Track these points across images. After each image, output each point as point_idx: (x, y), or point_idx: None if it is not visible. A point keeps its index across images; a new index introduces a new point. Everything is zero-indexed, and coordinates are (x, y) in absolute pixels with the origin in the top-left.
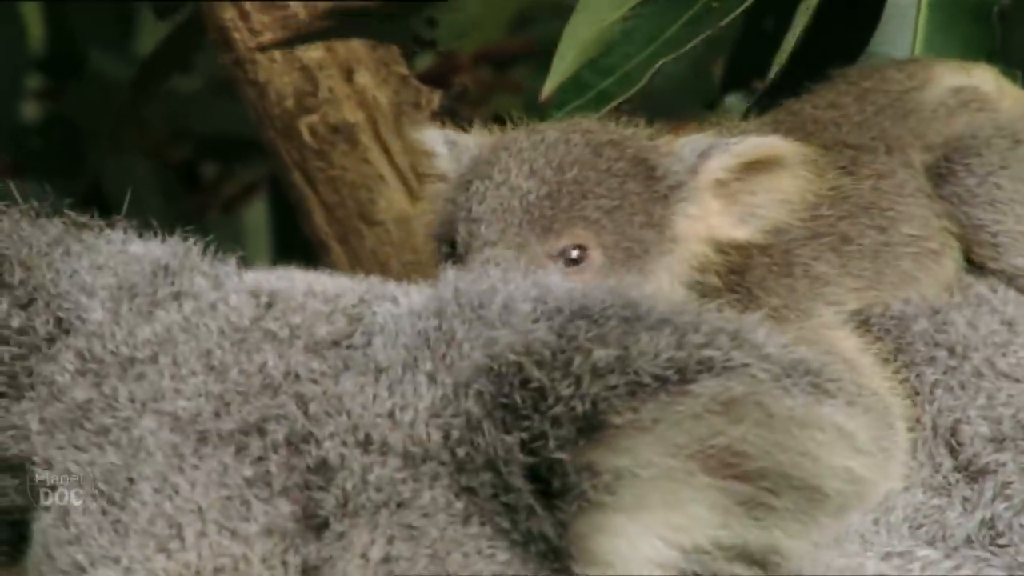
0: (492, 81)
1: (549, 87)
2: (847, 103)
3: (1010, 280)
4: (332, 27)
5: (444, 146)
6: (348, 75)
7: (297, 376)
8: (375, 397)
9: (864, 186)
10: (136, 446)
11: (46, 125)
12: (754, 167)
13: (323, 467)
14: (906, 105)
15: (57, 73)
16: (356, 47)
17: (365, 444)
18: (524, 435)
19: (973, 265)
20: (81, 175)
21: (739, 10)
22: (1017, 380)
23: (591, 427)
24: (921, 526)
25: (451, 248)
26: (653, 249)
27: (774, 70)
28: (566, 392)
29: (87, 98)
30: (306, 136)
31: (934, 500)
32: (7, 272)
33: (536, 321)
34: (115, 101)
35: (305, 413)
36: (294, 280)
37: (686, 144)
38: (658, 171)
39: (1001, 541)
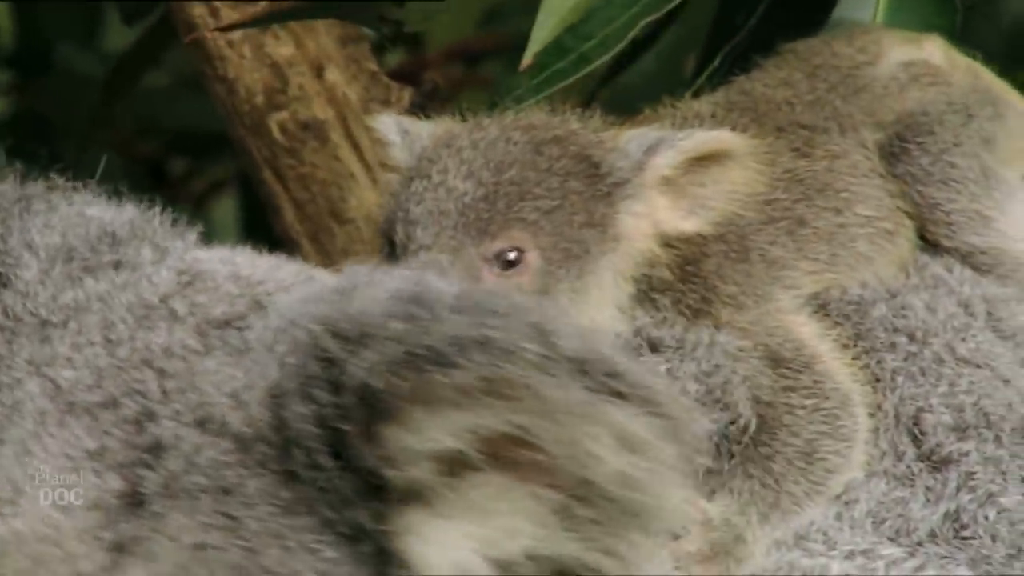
0: (462, 77)
1: (530, 53)
2: (798, 81)
3: (964, 258)
4: (297, 8)
5: (397, 135)
6: (318, 72)
7: (171, 353)
8: (229, 377)
9: (818, 167)
10: (14, 408)
11: (14, 120)
12: (702, 160)
13: (157, 446)
14: (857, 82)
15: (25, 69)
16: (326, 44)
17: (203, 424)
18: (319, 407)
19: (927, 243)
20: (49, 170)
21: None
22: (977, 366)
23: (374, 399)
24: (884, 520)
25: (391, 247)
26: (594, 248)
27: (724, 50)
28: (353, 363)
29: (56, 94)
30: (276, 133)
31: (897, 491)
32: None
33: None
34: (84, 98)
35: (162, 390)
36: (236, 263)
37: (632, 139)
38: (602, 168)
39: (965, 534)
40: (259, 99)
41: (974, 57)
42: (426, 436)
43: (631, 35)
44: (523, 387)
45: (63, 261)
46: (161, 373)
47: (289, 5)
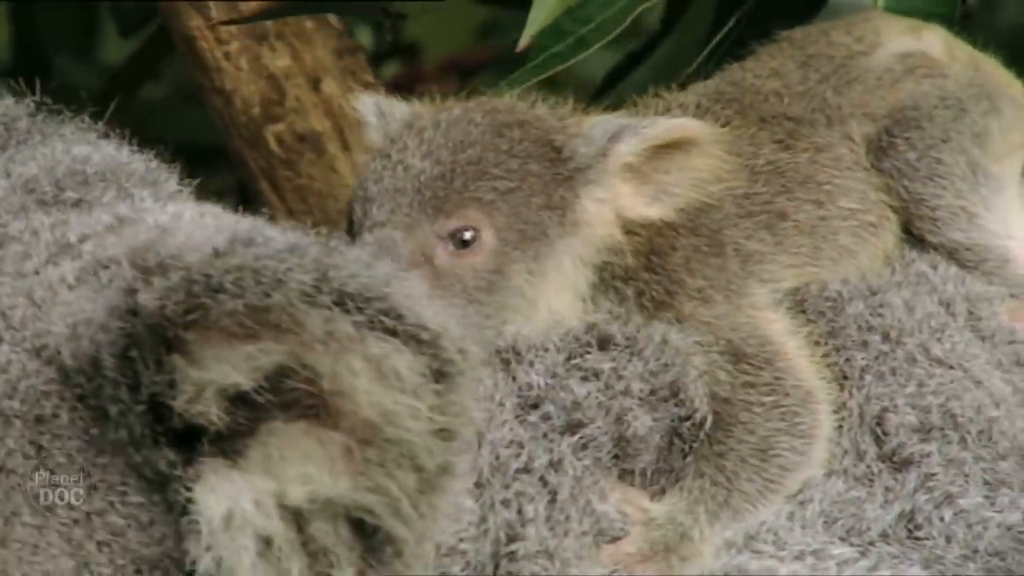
0: (458, 89)
1: (527, 35)
2: (790, 71)
3: (949, 254)
4: (298, 4)
5: (374, 115)
6: (315, 84)
7: (48, 285)
8: (79, 310)
9: (801, 159)
10: None
11: None
12: (667, 147)
13: None
14: (850, 72)
15: (22, 79)
16: (323, 56)
17: (39, 352)
18: (116, 337)
19: (914, 238)
20: None
21: None
22: (950, 367)
23: (158, 327)
24: (837, 520)
25: (349, 224)
26: (552, 231)
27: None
28: (144, 291)
29: (53, 105)
30: (273, 145)
31: (854, 491)
32: None
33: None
34: (81, 109)
35: (23, 318)
36: (182, 217)
37: (596, 125)
38: (563, 152)
39: (919, 534)
40: (256, 111)
41: (976, 46)
42: (208, 368)
43: (629, 19)
44: (290, 318)
45: (23, 192)
46: (30, 302)
47: (291, 2)
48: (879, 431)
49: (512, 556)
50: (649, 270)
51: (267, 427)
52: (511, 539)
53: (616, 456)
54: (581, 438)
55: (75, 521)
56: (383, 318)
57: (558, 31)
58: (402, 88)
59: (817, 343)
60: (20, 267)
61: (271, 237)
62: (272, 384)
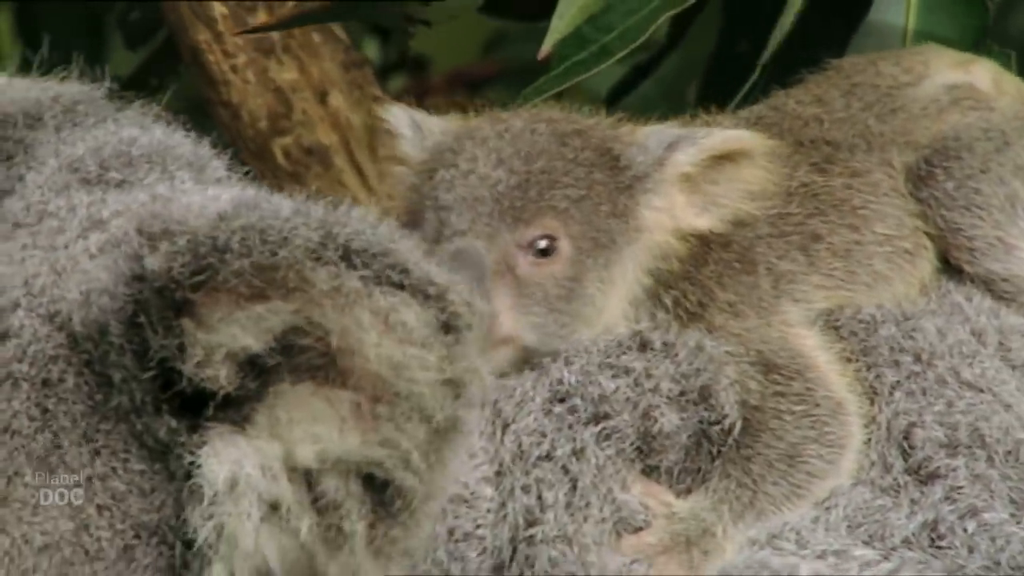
0: (466, 102)
1: (548, 43)
2: (833, 98)
3: (986, 285)
4: (321, 11)
5: (408, 128)
6: (322, 97)
7: (72, 256)
8: (94, 278)
9: (835, 183)
10: None
11: None
12: (720, 158)
13: (5, 334)
14: (895, 101)
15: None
16: (329, 69)
17: (52, 318)
18: (123, 303)
19: (951, 267)
20: None
21: None
22: (980, 390)
23: (166, 291)
24: (860, 525)
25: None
26: (619, 239)
27: (759, 66)
28: (150, 256)
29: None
30: (280, 158)
31: (879, 500)
32: (11, 124)
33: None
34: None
35: (43, 286)
36: (219, 197)
37: (651, 135)
38: (621, 161)
39: (942, 543)
40: (263, 124)
41: (1008, 57)
42: (218, 331)
43: (652, 28)
44: (297, 275)
45: (68, 171)
46: (52, 271)
47: (314, 7)
48: (906, 445)
49: (530, 540)
50: (687, 279)
51: (275, 390)
52: (530, 523)
53: (640, 450)
54: (604, 428)
55: (76, 484)
56: (389, 272)
57: (580, 39)
58: (409, 101)
59: (848, 360)
60: (53, 241)
61: (276, 201)
62: (281, 346)
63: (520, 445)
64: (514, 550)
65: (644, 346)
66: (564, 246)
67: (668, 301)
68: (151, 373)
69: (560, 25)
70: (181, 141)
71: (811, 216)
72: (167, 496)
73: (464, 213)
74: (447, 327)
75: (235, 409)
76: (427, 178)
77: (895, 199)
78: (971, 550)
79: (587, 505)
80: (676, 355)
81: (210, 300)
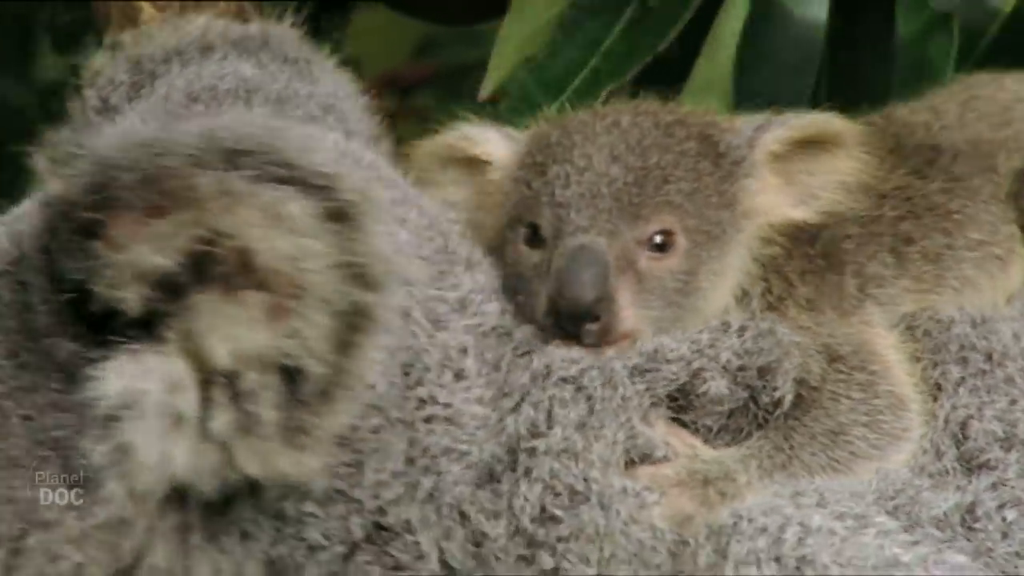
0: (397, 107)
1: (488, 88)
2: (948, 108)
3: None
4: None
5: (495, 132)
6: None
7: None
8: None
9: (932, 187)
10: None
11: None
12: (812, 146)
13: None
14: (1012, 113)
15: None
16: None
17: (14, 236)
18: (37, 228)
19: None
20: None
21: (682, 17)
22: None
23: (71, 213)
24: (891, 498)
25: (532, 231)
26: (729, 228)
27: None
28: (56, 180)
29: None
30: None
31: (918, 480)
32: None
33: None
34: (16, 128)
35: (28, 207)
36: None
37: (747, 120)
38: (720, 147)
39: (975, 526)
40: None
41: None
42: (128, 250)
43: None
44: (183, 183)
45: (160, 103)
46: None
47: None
48: (961, 435)
49: (532, 452)
50: (776, 271)
51: (188, 303)
52: (533, 436)
53: (676, 401)
54: (641, 366)
55: (5, 395)
56: (273, 169)
57: (520, 85)
58: None
59: (918, 359)
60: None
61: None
62: (192, 262)
63: (548, 366)
64: (514, 461)
65: (720, 326)
66: (680, 240)
67: (757, 290)
68: (66, 296)
69: (497, 74)
70: (274, 79)
71: (903, 219)
72: (77, 417)
73: (583, 210)
74: (339, 215)
75: (146, 328)
76: (538, 173)
77: (992, 205)
78: (1004, 536)
79: (601, 427)
80: (744, 333)
81: (117, 221)
